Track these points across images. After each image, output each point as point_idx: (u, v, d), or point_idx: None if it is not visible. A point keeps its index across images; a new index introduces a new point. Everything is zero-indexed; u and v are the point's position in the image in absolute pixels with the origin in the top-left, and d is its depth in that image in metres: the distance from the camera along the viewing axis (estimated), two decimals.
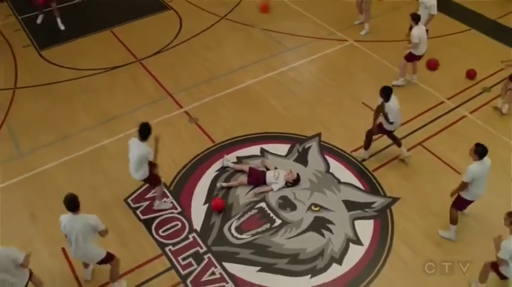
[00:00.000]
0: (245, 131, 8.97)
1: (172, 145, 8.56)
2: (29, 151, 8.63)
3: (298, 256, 7.00)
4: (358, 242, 7.20)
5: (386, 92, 7.77)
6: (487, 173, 6.66)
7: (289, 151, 8.60)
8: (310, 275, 6.78)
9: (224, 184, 7.94)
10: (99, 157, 8.50)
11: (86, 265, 6.62)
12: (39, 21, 11.69)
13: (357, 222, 7.45)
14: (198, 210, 7.60)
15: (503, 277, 6.30)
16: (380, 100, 7.90)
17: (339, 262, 6.94)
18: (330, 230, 7.33)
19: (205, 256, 6.99)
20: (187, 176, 8.13)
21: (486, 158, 6.56)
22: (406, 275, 6.81)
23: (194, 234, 7.27)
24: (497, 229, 7.16)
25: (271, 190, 7.84)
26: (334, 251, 7.06)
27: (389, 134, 8.22)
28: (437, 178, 8.10)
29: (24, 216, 7.52)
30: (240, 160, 8.40)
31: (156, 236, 7.24)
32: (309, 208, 7.62)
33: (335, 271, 6.82)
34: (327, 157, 8.49)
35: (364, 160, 8.40)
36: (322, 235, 7.26)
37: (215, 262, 6.90)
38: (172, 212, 7.56)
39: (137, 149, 6.88)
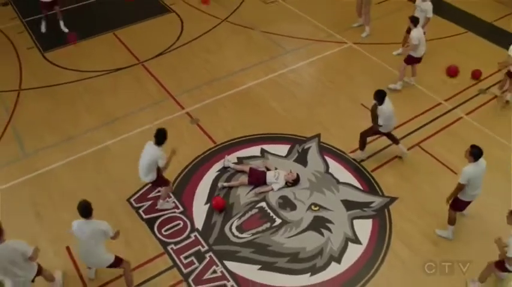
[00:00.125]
0: (246, 132, 8.99)
1: (174, 146, 8.56)
2: (34, 151, 8.65)
3: (298, 254, 7.03)
4: (356, 241, 7.23)
5: (380, 96, 7.81)
6: (482, 174, 6.69)
7: (289, 152, 8.63)
8: (309, 273, 6.81)
9: (225, 184, 7.97)
10: (103, 158, 8.52)
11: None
12: (43, 29, 11.68)
13: (355, 221, 7.48)
14: (200, 209, 7.63)
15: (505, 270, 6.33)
16: (373, 102, 7.94)
17: (338, 260, 6.97)
18: (329, 230, 7.36)
19: (207, 255, 7.01)
20: (189, 176, 8.16)
21: (481, 160, 6.59)
22: (403, 273, 6.84)
23: (196, 233, 7.30)
24: (493, 228, 7.25)
25: (272, 189, 7.87)
26: (333, 250, 7.09)
27: (387, 134, 8.26)
28: (435, 178, 8.14)
29: (29, 215, 7.54)
30: (240, 160, 8.43)
31: (158, 235, 7.27)
32: (309, 208, 7.65)
33: (334, 270, 6.85)
34: (326, 157, 8.52)
35: (362, 160, 8.44)
36: (322, 234, 7.29)
37: (216, 261, 6.93)
38: (174, 212, 7.59)
39: (150, 152, 6.92)
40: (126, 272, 6.35)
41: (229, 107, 9.59)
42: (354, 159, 8.44)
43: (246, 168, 8.11)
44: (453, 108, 9.54)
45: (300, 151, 8.65)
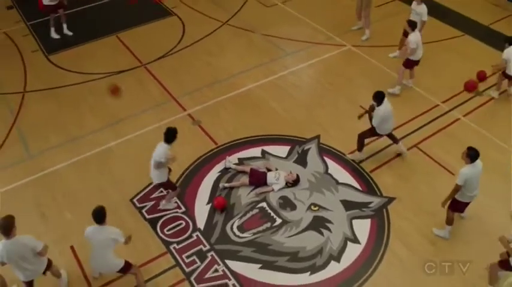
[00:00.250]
0: (246, 133, 9.03)
1: (176, 147, 8.51)
2: (38, 152, 8.70)
3: (298, 254, 7.07)
4: (355, 240, 7.27)
5: (379, 97, 7.86)
6: (479, 176, 6.73)
7: (289, 153, 8.67)
8: (309, 272, 6.85)
9: (226, 185, 8.01)
10: (106, 159, 8.57)
11: None
12: (55, 35, 11.71)
13: (354, 221, 7.52)
14: (202, 210, 7.68)
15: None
16: (372, 103, 7.99)
17: (337, 259, 7.01)
18: (329, 229, 7.40)
19: (209, 254, 7.06)
20: (191, 176, 8.21)
21: (478, 161, 6.63)
22: (401, 272, 6.88)
23: (198, 233, 7.34)
24: (491, 228, 7.30)
25: (272, 190, 7.91)
26: (332, 249, 7.13)
27: (386, 135, 8.31)
28: (432, 178, 8.18)
29: (34, 216, 7.59)
30: (241, 161, 8.47)
31: (161, 234, 7.32)
32: (309, 208, 7.69)
33: (333, 269, 6.89)
34: (325, 158, 8.56)
35: (361, 161, 8.48)
36: (321, 233, 7.33)
37: (218, 260, 6.98)
38: (177, 212, 7.64)
39: (158, 149, 6.95)
40: (137, 277, 6.40)
41: (230, 109, 9.64)
42: (352, 160, 8.49)
43: (247, 169, 8.16)
44: (450, 110, 9.58)
45: (299, 152, 8.69)
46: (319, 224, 7.46)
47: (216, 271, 6.85)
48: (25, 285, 6.16)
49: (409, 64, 9.67)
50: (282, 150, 8.71)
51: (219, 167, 8.37)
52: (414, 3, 10.07)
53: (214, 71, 10.67)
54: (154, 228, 7.41)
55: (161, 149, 6.93)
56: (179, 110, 9.58)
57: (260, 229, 7.39)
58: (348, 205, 7.76)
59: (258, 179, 7.98)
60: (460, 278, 6.77)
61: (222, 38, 11.77)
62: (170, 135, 6.91)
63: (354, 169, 8.36)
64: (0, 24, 12.28)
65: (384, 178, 8.20)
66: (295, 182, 8.00)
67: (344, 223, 7.48)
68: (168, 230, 7.37)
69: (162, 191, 7.89)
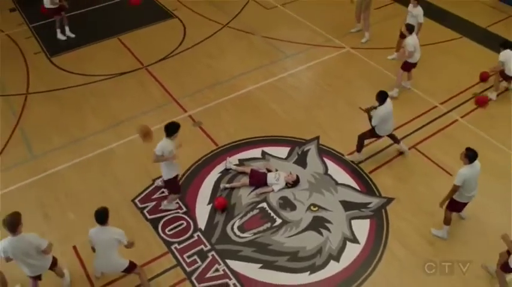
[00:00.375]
0: (247, 134, 9.06)
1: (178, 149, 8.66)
2: (41, 153, 8.73)
3: (298, 253, 7.09)
4: (354, 240, 7.29)
5: (381, 97, 7.89)
6: (477, 176, 6.75)
7: (289, 154, 8.69)
8: (309, 272, 6.87)
9: (227, 185, 8.03)
10: (108, 160, 8.60)
11: None
12: (62, 37, 11.74)
13: (353, 221, 7.54)
14: (203, 210, 7.70)
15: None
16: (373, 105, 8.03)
17: (337, 259, 7.03)
18: (328, 229, 7.42)
19: (209, 254, 7.08)
20: (192, 177, 8.22)
21: (476, 162, 6.65)
22: (400, 271, 6.90)
23: (199, 233, 7.36)
24: (488, 228, 7.32)
25: (272, 190, 7.94)
26: (332, 249, 7.16)
27: (388, 135, 8.34)
28: (430, 179, 8.20)
29: (38, 215, 7.61)
30: (242, 162, 8.50)
31: (162, 234, 7.34)
32: (308, 208, 7.71)
33: (333, 268, 6.91)
34: (325, 159, 8.58)
35: (360, 162, 8.50)
36: (321, 233, 7.35)
37: (219, 260, 7.00)
38: (178, 212, 7.66)
39: (159, 143, 6.94)
40: (141, 276, 6.42)
41: (231, 110, 9.66)
42: (351, 161, 8.51)
43: (247, 169, 8.18)
44: (448, 111, 9.60)
45: (299, 153, 8.71)
46: (318, 224, 7.48)
47: (217, 270, 6.87)
48: (32, 280, 6.23)
49: (408, 67, 9.70)
50: (282, 151, 8.73)
51: (219, 168, 8.39)
52: (410, 5, 10.11)
53: (214, 73, 10.69)
54: (155, 228, 7.43)
55: (160, 143, 6.91)
56: (180, 111, 9.60)
57: (260, 229, 7.41)
58: (347, 205, 7.78)
59: (258, 180, 8.01)
60: (459, 278, 6.79)
61: (222, 40, 11.80)
62: (169, 129, 6.90)
63: (353, 169, 8.38)
64: (3, 27, 12.32)
65: (383, 179, 8.22)
66: (295, 183, 8.02)
67: (343, 223, 7.51)
68: (169, 231, 7.39)
69: (163, 192, 7.91)
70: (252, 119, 9.45)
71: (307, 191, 7.98)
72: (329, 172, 8.33)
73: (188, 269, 6.88)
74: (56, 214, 7.69)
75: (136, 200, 7.85)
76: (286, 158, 8.60)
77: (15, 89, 10.26)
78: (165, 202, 7.65)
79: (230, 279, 6.76)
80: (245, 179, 8.06)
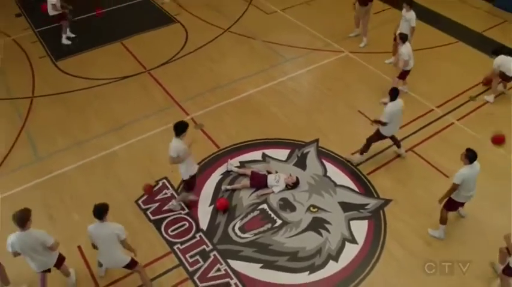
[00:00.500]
0: (247, 137, 9.11)
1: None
2: (46, 155, 8.78)
3: (298, 253, 7.14)
4: (353, 241, 7.33)
5: (393, 93, 7.99)
6: (476, 177, 6.80)
7: (289, 156, 8.74)
8: (308, 271, 6.91)
9: (228, 187, 8.08)
10: (111, 162, 8.65)
11: (100, 264, 6.75)
12: (65, 41, 11.81)
13: (352, 222, 7.59)
14: (204, 211, 7.75)
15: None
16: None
17: (336, 259, 7.07)
18: (327, 230, 7.47)
19: (211, 254, 7.13)
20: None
21: (476, 163, 6.71)
22: (398, 271, 6.95)
23: (201, 233, 7.41)
24: (486, 228, 7.36)
25: (272, 192, 7.99)
26: (331, 249, 7.20)
27: (391, 137, 8.39)
28: (427, 181, 8.24)
29: (43, 216, 7.65)
30: (243, 164, 8.55)
31: (165, 235, 7.39)
32: (308, 209, 7.76)
33: (332, 268, 6.96)
34: (324, 161, 8.63)
35: (358, 164, 8.55)
36: (320, 234, 7.40)
37: (220, 259, 7.05)
38: (180, 213, 7.71)
39: (170, 145, 6.95)
40: (142, 276, 6.47)
41: (232, 114, 9.72)
42: (348, 160, 8.53)
43: (248, 171, 8.23)
44: (445, 115, 9.66)
45: (299, 155, 8.76)
46: (318, 225, 7.52)
47: (219, 270, 6.92)
48: (41, 274, 6.31)
49: (403, 75, 9.77)
50: (282, 153, 8.78)
51: (221, 169, 8.44)
52: (404, 10, 10.19)
53: (216, 76, 10.75)
54: (158, 229, 7.48)
55: (172, 144, 6.91)
56: (182, 114, 9.65)
57: (261, 229, 7.46)
58: (345, 206, 7.82)
59: (258, 182, 8.06)
60: (458, 278, 6.83)
61: (223, 44, 11.86)
62: (178, 129, 6.90)
63: (351, 171, 8.43)
64: (9, 31, 12.39)
65: (381, 180, 8.27)
66: (294, 185, 8.07)
67: (342, 224, 7.55)
68: (172, 231, 7.44)
69: (166, 193, 7.97)
70: (252, 122, 9.50)
71: (307, 193, 8.03)
72: (328, 174, 8.38)
73: (190, 269, 6.93)
74: (61, 215, 7.74)
75: (139, 202, 7.90)
76: (286, 161, 8.65)
77: (21, 93, 10.33)
78: (173, 201, 7.67)
79: (231, 279, 6.81)
80: (246, 181, 8.11)
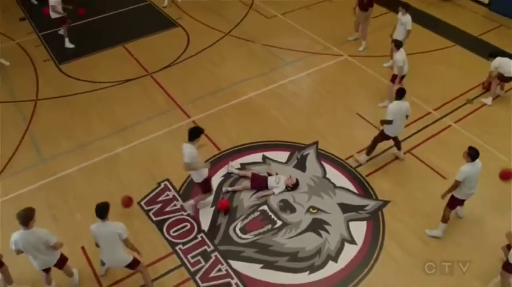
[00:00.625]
0: (248, 139, 9.13)
1: (181, 153, 8.71)
2: (50, 157, 8.81)
3: (298, 254, 7.16)
4: (352, 241, 7.35)
5: (399, 92, 8.05)
6: (478, 174, 6.83)
7: (289, 158, 8.77)
8: (308, 271, 6.94)
9: (229, 188, 8.10)
10: (114, 164, 8.67)
11: (103, 263, 6.77)
12: (68, 45, 11.86)
13: (351, 223, 7.61)
14: (206, 212, 7.76)
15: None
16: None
17: (335, 259, 7.09)
18: (327, 231, 7.49)
19: (213, 254, 7.15)
20: None
21: (477, 161, 6.75)
22: (396, 271, 6.97)
23: (202, 234, 7.43)
24: (484, 228, 7.37)
25: (273, 193, 8.01)
26: (330, 249, 7.22)
27: (393, 138, 8.43)
28: (425, 183, 8.27)
29: (46, 217, 7.67)
30: (243, 166, 8.57)
31: (167, 236, 7.41)
32: (307, 210, 7.78)
33: (331, 268, 6.98)
34: (323, 163, 8.65)
35: (358, 165, 8.58)
36: (320, 235, 7.42)
37: (221, 260, 7.07)
38: (182, 214, 7.73)
39: (183, 151, 6.95)
40: (144, 276, 6.49)
41: (233, 116, 9.74)
42: (349, 164, 8.56)
43: (249, 173, 8.26)
44: (442, 117, 9.69)
45: (299, 157, 8.79)
46: (317, 226, 7.54)
47: (220, 270, 6.94)
48: (44, 273, 6.35)
49: (398, 80, 9.77)
50: (282, 155, 8.80)
51: (222, 171, 8.46)
52: (400, 13, 10.22)
53: (217, 80, 10.78)
54: (161, 230, 7.50)
55: (185, 150, 6.90)
56: (184, 117, 9.68)
57: (261, 230, 7.48)
58: (345, 207, 7.85)
59: (259, 183, 8.08)
60: (456, 278, 6.84)
61: (224, 48, 11.90)
62: (192, 134, 6.89)
63: (350, 173, 8.45)
64: (14, 35, 12.43)
65: (379, 182, 8.29)
66: (294, 186, 8.09)
67: (341, 225, 7.57)
68: (174, 232, 7.46)
69: (168, 195, 7.99)
70: (252, 124, 9.52)
71: (307, 194, 8.05)
72: (327, 176, 8.40)
73: (192, 269, 6.95)
74: (64, 215, 7.76)
75: (142, 203, 7.92)
76: (286, 162, 8.68)
77: (25, 96, 10.36)
78: (191, 201, 7.61)
79: (232, 279, 6.82)
80: (246, 183, 8.14)
